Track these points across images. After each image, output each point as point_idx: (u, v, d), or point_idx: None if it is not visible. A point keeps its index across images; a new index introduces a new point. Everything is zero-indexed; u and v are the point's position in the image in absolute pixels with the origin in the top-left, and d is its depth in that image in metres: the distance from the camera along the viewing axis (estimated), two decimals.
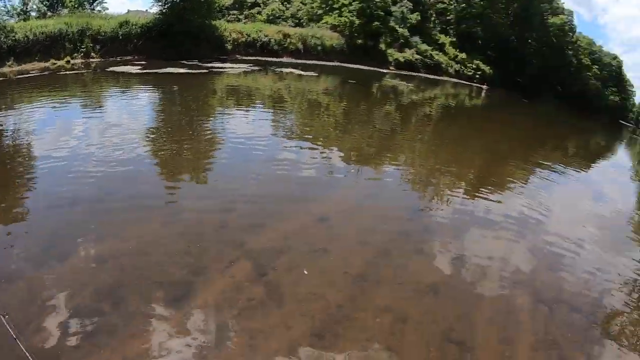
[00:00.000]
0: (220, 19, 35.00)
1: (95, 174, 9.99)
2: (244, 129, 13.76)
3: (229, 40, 31.45)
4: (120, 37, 26.87)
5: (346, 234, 8.48)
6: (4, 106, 16.09)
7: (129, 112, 15.87)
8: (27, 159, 11.15)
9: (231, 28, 32.80)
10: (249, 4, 49.81)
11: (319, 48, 36.31)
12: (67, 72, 23.11)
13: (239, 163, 11.31)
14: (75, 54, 25.31)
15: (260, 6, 49.36)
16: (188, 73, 23.35)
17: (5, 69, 22.90)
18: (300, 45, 34.67)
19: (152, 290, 6.22)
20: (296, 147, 12.23)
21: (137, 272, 6.63)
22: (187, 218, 8.38)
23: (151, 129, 13.88)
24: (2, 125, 13.35)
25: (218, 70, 24.96)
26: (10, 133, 13.37)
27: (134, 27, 27.90)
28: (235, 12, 49.34)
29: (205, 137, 13.44)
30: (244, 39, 32.26)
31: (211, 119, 15.79)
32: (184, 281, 6.46)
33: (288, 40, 34.16)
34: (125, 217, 8.26)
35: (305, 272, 6.90)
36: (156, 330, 5.49)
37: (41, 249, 6.97)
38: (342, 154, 12.10)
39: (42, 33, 24.76)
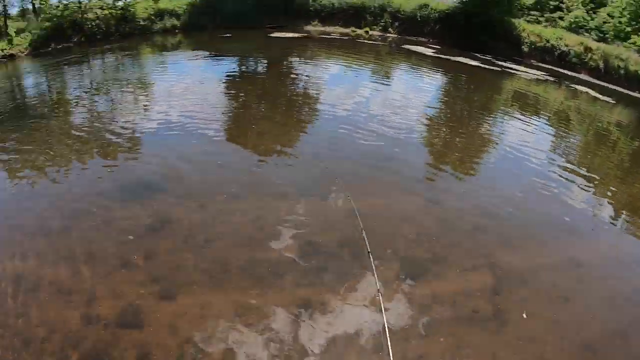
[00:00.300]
0: (519, 18, 32.74)
1: (367, 134, 10.97)
2: (519, 137, 12.60)
3: (526, 42, 29.29)
4: (419, 19, 27.92)
5: (596, 289, 6.95)
6: (305, 57, 18.30)
7: (414, 89, 16.47)
8: (313, 104, 12.44)
9: (530, 30, 30.41)
10: (551, 6, 45.46)
11: (622, 72, 31.07)
12: (364, 41, 25.67)
13: (506, 170, 10.44)
14: (374, 26, 27.78)
15: (562, 11, 44.65)
16: (479, 67, 22.77)
17: (310, 28, 27.41)
18: (601, 64, 30.16)
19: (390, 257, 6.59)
20: (567, 176, 10.52)
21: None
22: (445, 206, 8.33)
23: (430, 109, 13.92)
24: (305, 75, 15.11)
25: (510, 71, 23.61)
26: (305, 80, 15.16)
27: (432, 11, 28.45)
28: (535, 13, 45.71)
29: (479, 133, 12.81)
30: (541, 44, 29.59)
31: (490, 117, 14.94)
32: (422, 264, 6.52)
33: (589, 55, 30.05)
34: (384, 181, 8.90)
35: (525, 316, 5.85)
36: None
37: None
38: (614, 202, 9.95)
39: (347, 3, 28.69)
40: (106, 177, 8.94)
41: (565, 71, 27.44)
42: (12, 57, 23.52)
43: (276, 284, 5.96)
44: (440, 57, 23.80)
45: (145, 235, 6.95)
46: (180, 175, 8.84)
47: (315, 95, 14.62)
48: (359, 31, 27.76)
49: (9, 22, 25.89)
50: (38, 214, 7.66)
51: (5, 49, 23.53)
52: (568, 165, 11.30)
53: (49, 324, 5.37)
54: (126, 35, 26.77)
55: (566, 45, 29.69)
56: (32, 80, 19.55)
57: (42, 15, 25.90)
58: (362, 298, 5.78)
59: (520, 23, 30.66)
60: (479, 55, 25.76)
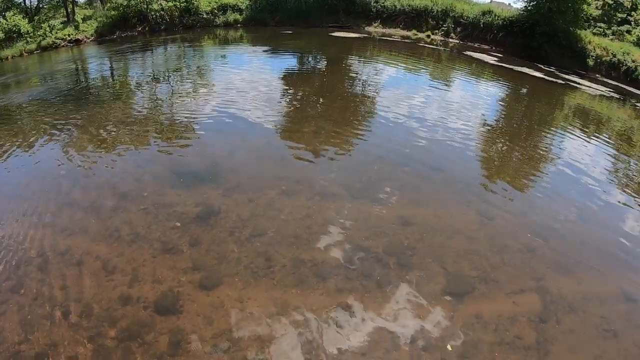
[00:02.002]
0: (585, 29, 31.33)
1: (421, 139, 10.82)
2: (578, 156, 11.92)
3: (591, 56, 27.98)
4: (481, 26, 27.37)
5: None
6: (365, 58, 18.19)
7: (473, 97, 16.07)
8: (369, 105, 12.35)
9: (596, 42, 29.03)
10: (619, 19, 43.18)
11: None
12: (425, 45, 25.37)
13: (562, 190, 9.81)
14: (436, 31, 27.32)
15: (631, 24, 42.33)
16: (542, 79, 21.92)
17: (371, 29, 27.26)
18: None
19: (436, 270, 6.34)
20: (626, 201, 9.75)
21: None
22: (497, 223, 7.89)
23: (488, 119, 13.49)
24: (363, 76, 15.03)
25: (574, 85, 22.59)
26: (363, 81, 15.12)
27: (496, 18, 27.65)
28: (602, 25, 43.58)
29: (537, 149, 12.24)
30: (607, 58, 28.18)
31: (550, 132, 14.28)
32: (469, 282, 6.24)
33: None
34: (436, 189, 8.68)
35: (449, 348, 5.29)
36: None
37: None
38: None
39: (409, 5, 28.60)
40: (160, 162, 9.13)
41: (632, 89, 26.02)
42: (77, 42, 24.69)
43: (318, 286, 5.82)
44: (502, 66, 23.10)
45: (193, 223, 7.00)
46: (232, 168, 8.92)
47: (372, 97, 14.47)
48: (421, 35, 27.43)
49: (76, 9, 27.13)
50: (91, 192, 7.88)
51: (72, 35, 24.71)
52: (627, 190, 10.60)
53: (88, 300, 5.49)
54: (189, 27, 27.60)
55: (633, 61, 28.15)
56: (95, 64, 20.40)
57: (108, 4, 27.00)
58: (402, 310, 5.56)
59: (586, 35, 29.35)
60: (542, 66, 24.84)
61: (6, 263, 6.15)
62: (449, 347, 5.13)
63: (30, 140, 10.39)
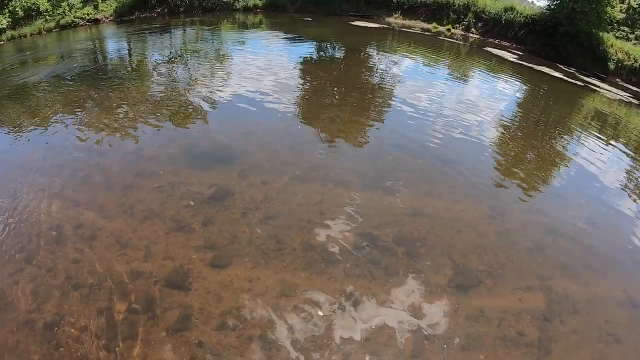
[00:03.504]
0: (608, 32, 30.81)
1: (436, 133, 10.79)
2: (593, 159, 11.79)
3: (613, 59, 27.50)
4: (503, 22, 26.88)
5: None
6: (383, 48, 18.17)
7: (490, 94, 15.99)
8: (386, 96, 12.67)
9: (618, 46, 28.51)
10: None
11: None
12: (445, 39, 25.24)
13: (575, 191, 9.73)
14: (457, 25, 26.94)
15: None
16: (561, 79, 21.65)
17: (391, 20, 27.27)
18: None
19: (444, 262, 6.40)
20: (636, 209, 9.67)
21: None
22: (508, 219, 7.90)
23: (505, 117, 13.42)
24: (381, 66, 15.04)
25: (593, 87, 22.30)
26: (381, 71, 15.15)
27: (518, 15, 27.19)
28: (626, 29, 42.77)
29: (552, 149, 12.18)
30: (629, 63, 27.68)
31: (566, 134, 14.17)
32: (476, 275, 6.26)
33: None
34: (449, 183, 8.69)
35: None
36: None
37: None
38: None
39: None
40: (176, 142, 9.27)
41: None
42: (96, 21, 24.83)
43: (326, 270, 5.91)
44: (522, 64, 22.79)
45: (206, 203, 7.13)
46: (248, 151, 9.02)
47: (389, 88, 14.43)
48: (441, 28, 27.10)
49: None
50: (107, 169, 8.05)
51: (91, 14, 24.85)
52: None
53: (100, 273, 5.65)
54: (208, 10, 27.63)
55: None
56: (113, 44, 20.52)
57: None
58: (408, 299, 5.63)
59: (608, 38, 28.85)
60: (562, 66, 24.52)
61: (21, 234, 6.33)
62: (451, 338, 5.19)
63: (47, 116, 10.56)
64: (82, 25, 24.43)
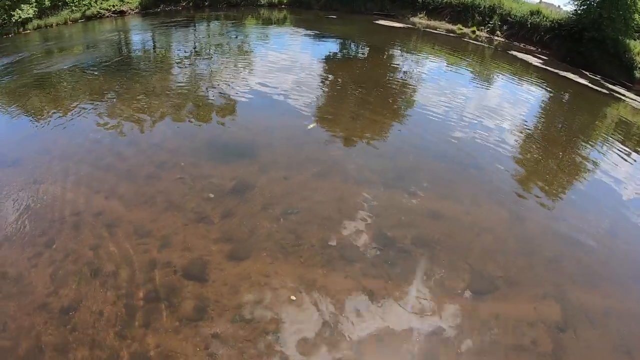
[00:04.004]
0: (635, 40, 30.17)
1: (458, 135, 10.78)
2: (616, 169, 11.56)
3: (639, 67, 26.95)
4: (529, 26, 26.56)
5: None
6: (407, 49, 18.11)
7: (512, 98, 15.86)
8: (408, 96, 13.02)
9: None
10: None
11: None
12: (470, 41, 25.00)
13: (596, 201, 9.57)
14: (482, 27, 26.67)
15: None
16: (586, 86, 21.31)
17: (416, 20, 27.11)
18: None
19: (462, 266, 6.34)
20: None
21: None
22: (528, 226, 7.77)
23: (526, 123, 13.33)
24: (404, 66, 15.03)
25: (618, 96, 21.89)
26: (404, 72, 15.12)
27: (544, 19, 26.82)
28: None
29: (574, 157, 11.98)
30: None
31: (589, 142, 13.91)
32: (492, 281, 6.19)
33: None
34: (469, 185, 8.62)
35: None
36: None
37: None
38: None
39: None
40: (198, 134, 9.37)
41: None
42: (122, 13, 25.15)
43: (343, 268, 5.90)
44: (547, 69, 22.48)
45: (226, 196, 7.17)
46: (269, 145, 9.05)
47: (411, 89, 14.39)
48: (466, 30, 26.93)
49: None
50: (128, 158, 8.15)
51: (117, 6, 25.18)
52: None
53: (119, 260, 5.72)
54: (233, 4, 27.83)
55: None
56: (138, 36, 20.76)
57: None
58: (424, 302, 5.59)
59: (635, 45, 28.26)
60: (587, 73, 24.12)
61: (41, 219, 6.45)
62: (464, 342, 5.13)
63: (70, 105, 10.73)
64: (107, 16, 24.77)
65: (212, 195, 7.10)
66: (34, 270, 5.51)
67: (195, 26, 23.01)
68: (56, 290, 5.23)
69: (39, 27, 22.24)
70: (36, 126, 9.64)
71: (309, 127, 8.76)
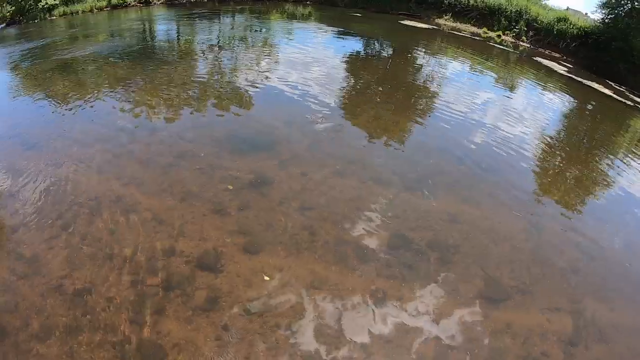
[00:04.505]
0: None
1: (479, 140, 10.70)
2: (636, 186, 11.27)
3: None
4: (555, 32, 26.02)
5: None
6: (431, 50, 18.02)
7: (535, 106, 15.68)
8: (431, 98, 13.15)
9: None
10: None
11: None
12: (494, 45, 24.75)
13: (615, 215, 9.32)
14: (508, 32, 26.29)
15: None
16: (611, 97, 20.94)
17: (441, 21, 27.34)
18: None
19: (476, 272, 6.33)
20: None
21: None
22: (545, 236, 7.65)
23: (547, 131, 13.16)
24: (428, 68, 15.02)
25: None
26: (427, 73, 15.06)
27: (571, 26, 26.36)
28: None
29: (595, 169, 11.73)
30: None
31: (610, 155, 13.61)
32: (506, 290, 6.14)
33: None
34: (487, 191, 8.57)
35: None
36: None
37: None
38: None
39: (483, 2, 27.58)
40: (218, 127, 9.43)
41: None
42: (147, 3, 25.38)
43: (358, 267, 5.88)
44: (571, 78, 22.09)
45: (245, 188, 7.20)
46: (289, 141, 9.07)
47: (434, 91, 14.32)
48: (491, 33, 26.61)
49: None
50: (148, 146, 8.23)
51: None
52: None
53: (134, 246, 5.78)
54: None
55: None
56: (163, 26, 20.95)
57: None
58: (437, 306, 5.55)
59: None
60: (612, 83, 23.67)
61: (60, 202, 6.54)
62: (474, 350, 5.08)
63: (93, 91, 10.88)
64: (133, 5, 25.01)
65: (230, 187, 7.14)
66: (50, 252, 5.58)
67: (220, 19, 23.15)
68: (70, 272, 5.29)
69: (64, 14, 22.53)
70: (57, 111, 9.77)
71: (319, 127, 8.73)
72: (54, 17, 21.97)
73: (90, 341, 4.51)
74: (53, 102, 10.31)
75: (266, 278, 5.45)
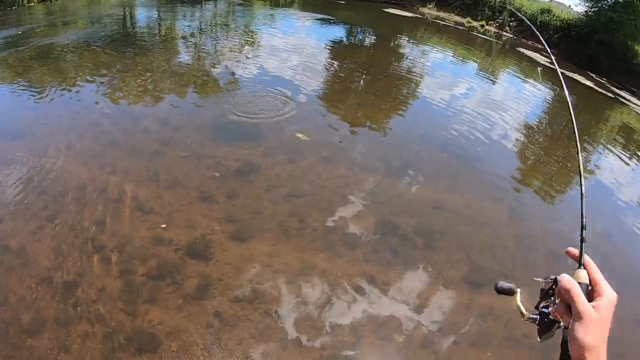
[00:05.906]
0: None
1: (461, 128, 10.86)
2: (615, 173, 11.64)
3: None
4: (538, 24, 26.34)
5: None
6: (414, 39, 18.14)
7: (516, 96, 15.97)
8: (413, 86, 13.31)
9: None
10: None
11: None
12: (478, 35, 25.01)
13: (594, 203, 9.49)
14: (491, 22, 26.48)
15: None
16: (591, 89, 21.41)
17: (425, 10, 26.72)
18: None
19: (460, 257, 6.46)
20: None
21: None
22: (528, 224, 7.84)
23: (529, 121, 13.54)
24: (411, 56, 15.11)
25: (623, 100, 22.00)
26: (410, 62, 15.25)
27: (554, 18, 26.73)
28: None
29: (574, 160, 11.89)
30: None
31: (590, 145, 13.96)
32: (489, 275, 6.25)
33: None
34: (469, 178, 8.73)
35: None
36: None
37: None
38: None
39: None
40: (203, 114, 9.42)
41: None
42: None
43: (345, 253, 5.99)
44: (553, 68, 22.48)
45: (232, 176, 7.24)
46: (275, 128, 9.09)
47: (417, 79, 14.49)
48: (475, 23, 26.95)
49: None
50: (133, 134, 8.18)
51: None
52: None
53: (122, 236, 5.76)
54: None
55: None
56: (144, 13, 20.60)
57: None
58: (423, 290, 5.69)
59: None
60: (594, 75, 24.17)
61: (45, 193, 6.43)
62: (460, 332, 5.25)
63: (73, 80, 10.65)
64: None
65: (217, 175, 7.16)
66: (37, 244, 5.52)
67: (202, 5, 22.89)
68: (59, 264, 5.25)
69: (42, 0, 21.99)
70: (39, 99, 9.58)
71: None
72: (32, 4, 21.43)
73: (82, 332, 4.50)
74: (33, 91, 10.09)
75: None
